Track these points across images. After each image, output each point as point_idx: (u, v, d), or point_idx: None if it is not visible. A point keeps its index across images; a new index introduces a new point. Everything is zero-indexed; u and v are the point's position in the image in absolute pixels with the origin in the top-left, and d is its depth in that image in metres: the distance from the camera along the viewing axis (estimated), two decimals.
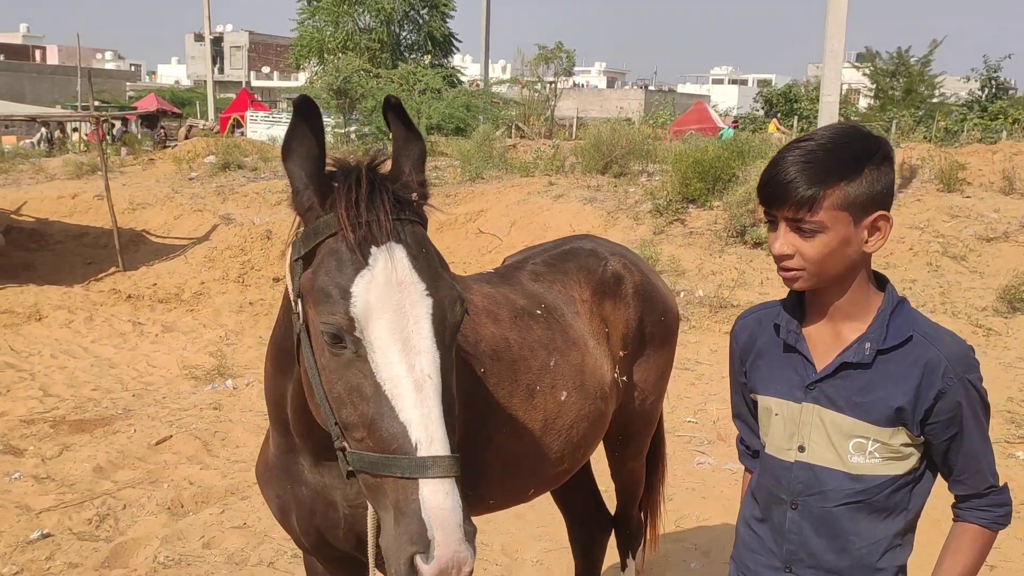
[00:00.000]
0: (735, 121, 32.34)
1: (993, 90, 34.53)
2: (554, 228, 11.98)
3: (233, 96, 38.30)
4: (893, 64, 35.47)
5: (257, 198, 14.89)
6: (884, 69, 35.63)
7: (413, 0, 34.27)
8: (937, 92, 36.05)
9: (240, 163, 17.38)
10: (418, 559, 1.56)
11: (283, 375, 2.14)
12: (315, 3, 34.71)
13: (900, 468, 1.80)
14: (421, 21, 34.93)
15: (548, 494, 3.39)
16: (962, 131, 29.04)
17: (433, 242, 1.87)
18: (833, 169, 1.69)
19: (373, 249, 1.70)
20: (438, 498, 1.58)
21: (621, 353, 3.07)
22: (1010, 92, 38.07)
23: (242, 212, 14.22)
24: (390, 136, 1.94)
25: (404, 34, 35.09)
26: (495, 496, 2.70)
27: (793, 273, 1.77)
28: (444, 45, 35.61)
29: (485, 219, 12.99)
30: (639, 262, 3.38)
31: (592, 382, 2.89)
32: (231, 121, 29.56)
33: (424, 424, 1.63)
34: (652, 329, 3.18)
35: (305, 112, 1.77)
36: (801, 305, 1.90)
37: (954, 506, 1.87)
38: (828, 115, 8.61)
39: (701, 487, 5.59)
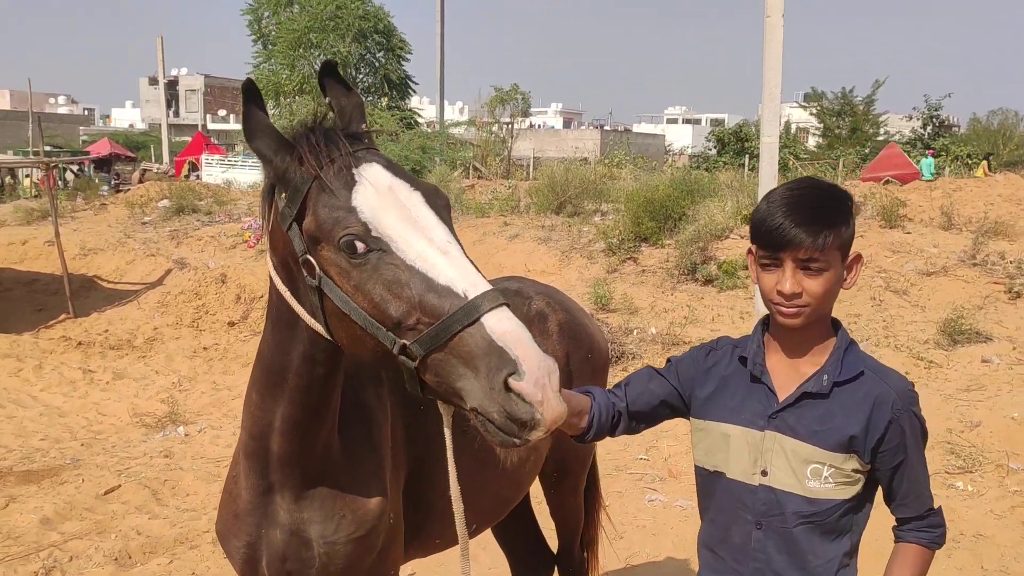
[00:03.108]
0: (931, 149, 31.28)
1: (935, 128, 35.67)
2: (509, 268, 12.11)
3: (189, 139, 38.19)
4: (838, 104, 36.57)
5: (212, 242, 14.83)
6: (830, 108, 36.71)
7: (369, 44, 34.69)
8: (882, 130, 37.18)
9: (194, 207, 17.30)
10: (511, 380, 1.61)
11: (273, 400, 2.16)
12: (271, 47, 34.97)
13: (849, 493, 1.96)
14: (377, 64, 35.35)
15: (492, 536, 3.44)
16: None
17: None
18: (836, 215, 1.92)
19: (354, 171, 1.87)
20: (503, 323, 1.67)
21: None
22: (952, 129, 39.35)
23: (196, 256, 14.15)
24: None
25: (361, 77, 35.44)
26: (440, 535, 2.75)
27: (797, 310, 1.92)
28: (401, 87, 36.02)
29: None
30: (566, 301, 3.47)
31: None
32: (186, 164, 29.44)
33: (464, 276, 1.74)
34: (580, 366, 3.26)
35: (254, 96, 1.96)
36: (761, 341, 2.07)
37: (896, 529, 2.05)
38: (768, 156, 8.83)
39: (652, 524, 5.66)
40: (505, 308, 1.71)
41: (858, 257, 1.99)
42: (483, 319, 1.67)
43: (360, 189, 1.83)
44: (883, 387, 1.95)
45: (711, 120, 70.79)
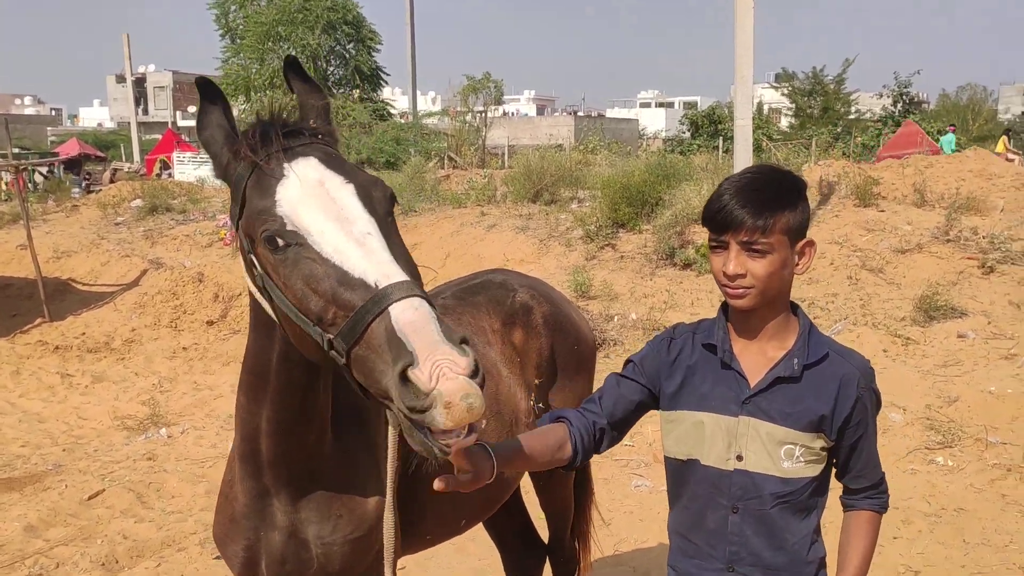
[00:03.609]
0: (952, 125, 31.57)
1: (906, 105, 35.93)
2: (488, 258, 12.09)
3: (159, 137, 37.76)
4: (809, 84, 36.74)
5: (187, 241, 14.70)
6: (801, 89, 36.87)
7: (339, 35, 34.39)
8: (853, 109, 37.42)
9: (168, 206, 17.12)
10: (409, 371, 1.53)
11: (258, 403, 2.16)
12: (239, 41, 34.58)
13: (817, 470, 2.05)
14: (348, 56, 35.05)
15: (483, 528, 3.45)
16: (878, 145, 30.16)
17: None
18: (782, 199, 1.97)
19: (285, 166, 1.85)
20: (407, 313, 1.60)
21: (536, 381, 3.15)
22: (922, 106, 39.66)
23: (172, 256, 14.02)
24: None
25: (331, 69, 35.14)
26: (431, 531, 2.76)
27: (742, 291, 1.98)
28: (372, 79, 35.74)
29: (420, 252, 13.03)
30: (550, 293, 3.48)
31: (507, 409, 2.96)
32: (158, 163, 29.12)
33: (376, 266, 1.69)
34: (566, 357, 3.27)
35: (209, 94, 2.00)
36: (726, 328, 2.11)
37: (846, 498, 2.15)
38: (743, 138, 8.90)
39: (639, 510, 5.70)
40: (416, 298, 1.64)
41: (810, 243, 2.03)
42: (390, 309, 1.62)
43: (284, 183, 1.81)
44: (847, 367, 2.04)
45: (684, 103, 70.83)
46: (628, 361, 2.24)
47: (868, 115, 36.63)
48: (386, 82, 38.54)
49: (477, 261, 12.27)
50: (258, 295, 1.98)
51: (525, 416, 3.08)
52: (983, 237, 11.18)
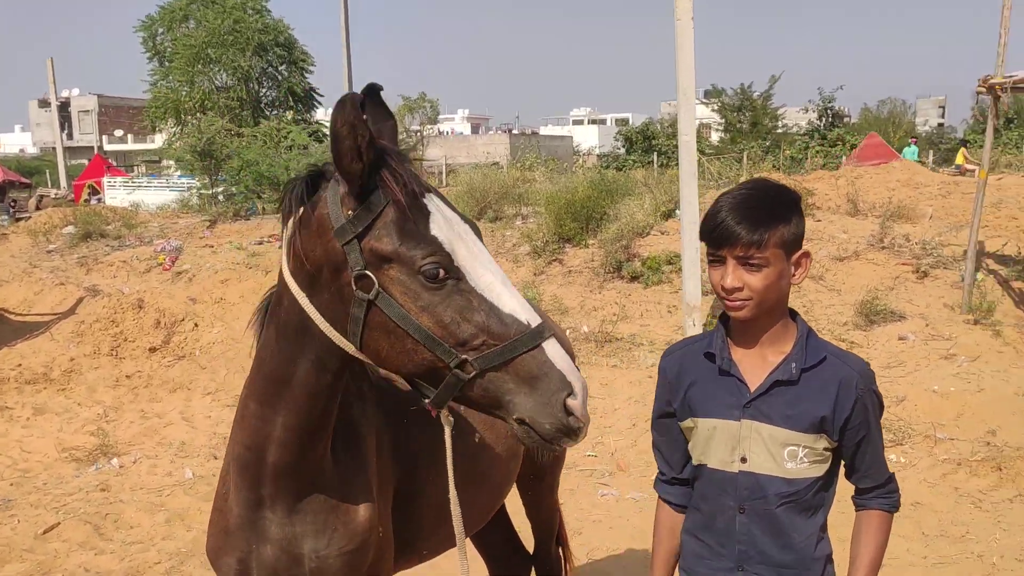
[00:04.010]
0: (914, 137, 33.06)
1: (830, 119, 37.14)
2: None
3: (86, 162, 36.81)
4: (738, 99, 37.71)
5: (124, 266, 14.34)
6: (730, 104, 37.82)
7: (270, 57, 34.07)
8: (780, 123, 38.51)
9: (103, 232, 16.67)
10: (569, 400, 1.90)
11: (274, 409, 2.17)
12: (167, 64, 33.99)
13: (821, 470, 2.11)
14: (280, 77, 34.73)
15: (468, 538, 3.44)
16: (806, 158, 31.08)
17: None
18: (776, 214, 2.04)
19: (423, 201, 2.00)
20: (558, 352, 1.95)
21: None
22: (845, 120, 41.01)
23: (109, 282, 13.65)
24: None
25: (264, 91, 34.75)
26: (429, 547, 2.75)
27: (740, 303, 2.06)
28: (306, 100, 35.44)
29: None
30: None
31: (500, 422, 2.96)
32: (86, 188, 28.37)
33: (523, 307, 1.98)
34: None
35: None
36: (724, 336, 2.18)
37: (857, 498, 2.21)
38: (687, 153, 9.08)
39: (607, 518, 5.76)
40: (554, 339, 1.97)
41: (805, 253, 2.10)
42: (544, 346, 1.93)
43: (435, 220, 1.99)
44: (846, 370, 2.10)
45: (616, 120, 71.94)
46: (654, 410, 2.34)
47: (795, 129, 37.71)
48: (320, 103, 38.27)
49: None
50: (304, 302, 2.03)
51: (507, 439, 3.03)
52: (915, 243, 11.62)
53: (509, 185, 15.72)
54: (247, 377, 2.28)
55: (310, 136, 21.77)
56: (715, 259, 2.09)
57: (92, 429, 8.20)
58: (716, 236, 2.05)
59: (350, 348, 2.03)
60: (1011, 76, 9.36)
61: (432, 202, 2.01)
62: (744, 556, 2.12)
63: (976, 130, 41.11)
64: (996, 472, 6.10)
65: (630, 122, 57.52)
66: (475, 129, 74.37)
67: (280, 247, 2.19)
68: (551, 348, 1.93)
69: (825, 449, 2.09)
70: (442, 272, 1.93)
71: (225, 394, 9.34)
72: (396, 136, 2.19)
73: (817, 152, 32.05)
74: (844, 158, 27.79)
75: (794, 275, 2.09)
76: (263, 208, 16.80)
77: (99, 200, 26.03)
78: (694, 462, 2.21)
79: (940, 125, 65.76)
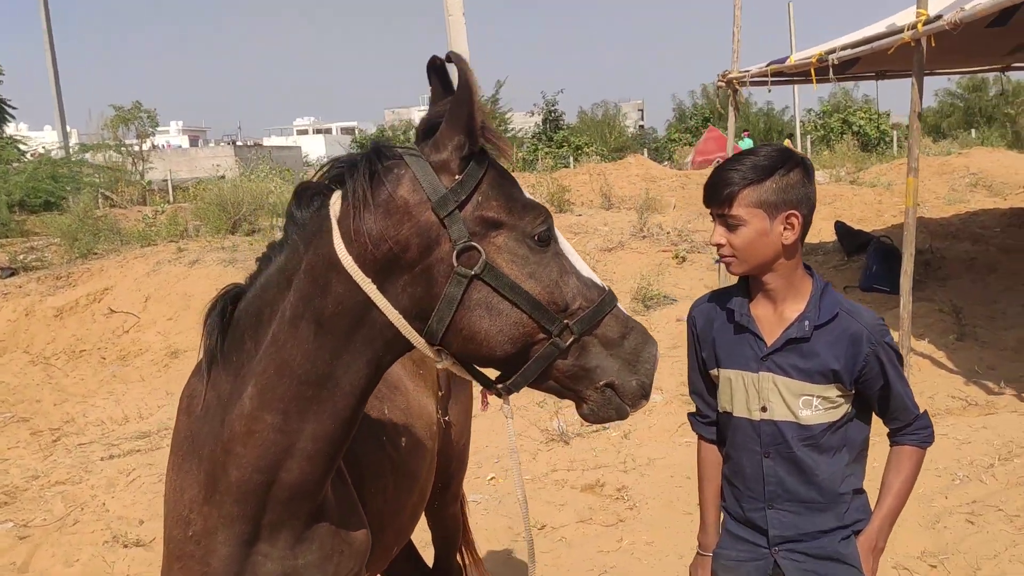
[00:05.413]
0: (746, 130, 35.11)
1: (553, 122, 39.20)
2: (198, 296, 11.16)
3: None
4: None
5: None
6: None
7: None
8: (509, 127, 40.04)
9: None
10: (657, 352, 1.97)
11: (300, 417, 1.87)
12: None
13: (836, 415, 2.24)
14: None
15: None
16: (536, 160, 32.56)
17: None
18: (747, 177, 2.15)
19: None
20: (625, 311, 1.99)
21: (440, 393, 3.06)
22: (563, 123, 43.47)
23: None
24: None
25: None
26: (391, 541, 2.61)
27: (727, 259, 2.22)
28: None
29: (113, 297, 11.70)
30: None
31: (420, 424, 2.83)
32: None
33: (593, 272, 2.00)
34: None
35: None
36: (746, 292, 2.30)
37: (890, 435, 2.35)
38: None
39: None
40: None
41: (792, 214, 2.15)
42: (618, 305, 1.95)
43: (524, 189, 1.94)
44: (856, 325, 2.21)
45: (342, 129, 71.13)
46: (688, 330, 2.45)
47: (523, 133, 39.39)
48: (12, 116, 34.28)
49: (185, 300, 11.33)
50: (373, 291, 1.81)
51: (436, 428, 2.95)
52: (669, 232, 12.51)
53: (262, 197, 14.94)
54: (251, 390, 1.88)
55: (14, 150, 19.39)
56: (711, 218, 2.26)
57: None
58: (704, 194, 2.23)
59: (419, 341, 1.85)
60: (746, 71, 10.34)
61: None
62: (773, 495, 2.27)
63: (679, 129, 45.37)
64: None
65: (356, 130, 57.18)
66: (194, 142, 70.11)
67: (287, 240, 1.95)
68: (621, 308, 1.96)
69: (838, 396, 2.21)
70: (550, 235, 1.91)
71: None
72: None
73: (547, 154, 33.69)
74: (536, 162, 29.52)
75: (783, 235, 2.15)
76: None
77: None
78: (720, 410, 2.35)
79: (641, 127, 71.61)
